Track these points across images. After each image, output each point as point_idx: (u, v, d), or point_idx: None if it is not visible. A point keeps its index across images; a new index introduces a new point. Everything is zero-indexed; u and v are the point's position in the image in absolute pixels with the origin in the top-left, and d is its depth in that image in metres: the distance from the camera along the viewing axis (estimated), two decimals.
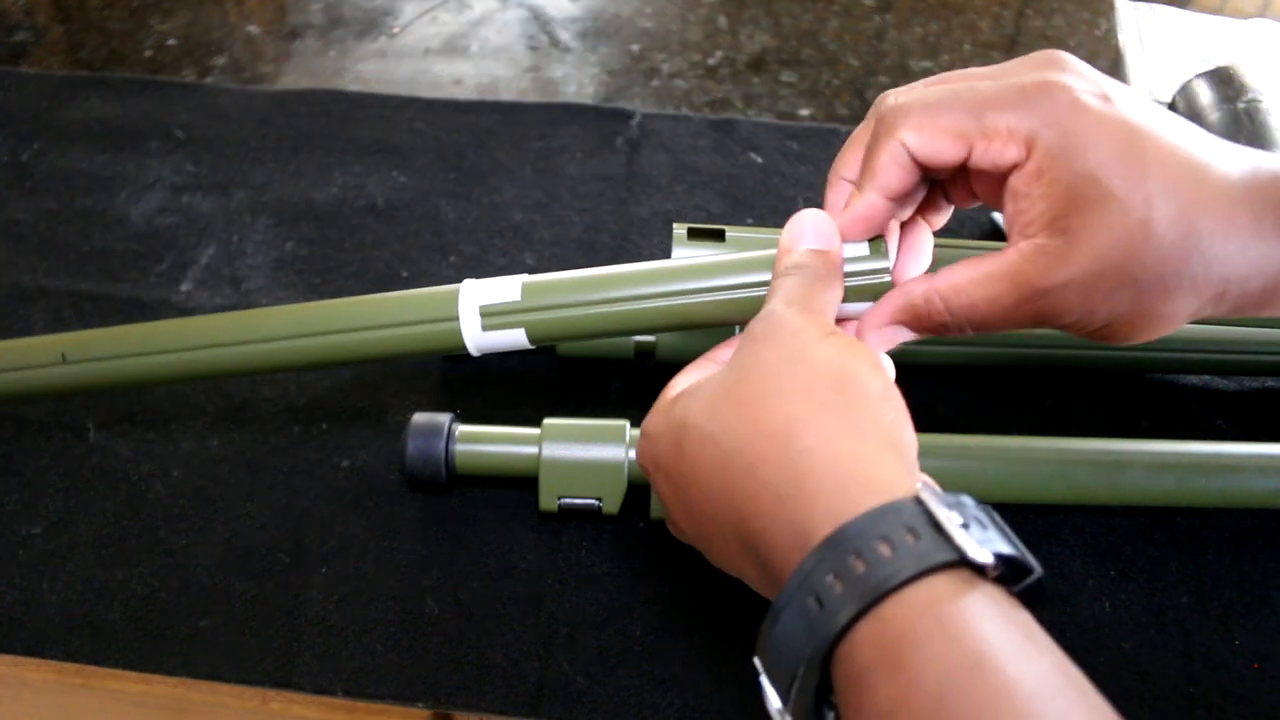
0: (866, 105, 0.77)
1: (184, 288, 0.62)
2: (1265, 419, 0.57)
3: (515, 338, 0.43)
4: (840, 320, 0.40)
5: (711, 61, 0.81)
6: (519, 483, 0.52)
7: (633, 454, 0.49)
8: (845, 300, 0.40)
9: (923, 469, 0.34)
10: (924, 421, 0.38)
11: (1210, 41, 0.82)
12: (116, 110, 0.74)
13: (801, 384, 0.33)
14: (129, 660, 0.47)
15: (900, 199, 0.38)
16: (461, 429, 0.51)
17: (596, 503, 0.49)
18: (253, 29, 0.84)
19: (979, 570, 0.28)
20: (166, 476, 0.53)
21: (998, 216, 0.66)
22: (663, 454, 0.37)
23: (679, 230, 0.50)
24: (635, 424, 0.47)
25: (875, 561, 0.28)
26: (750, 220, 0.67)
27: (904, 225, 0.42)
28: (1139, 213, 0.34)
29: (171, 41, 0.82)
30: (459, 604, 0.49)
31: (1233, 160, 0.36)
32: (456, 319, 0.43)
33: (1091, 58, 0.78)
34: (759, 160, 0.71)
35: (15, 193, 0.68)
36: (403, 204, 0.67)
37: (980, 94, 0.36)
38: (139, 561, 0.50)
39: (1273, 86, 0.62)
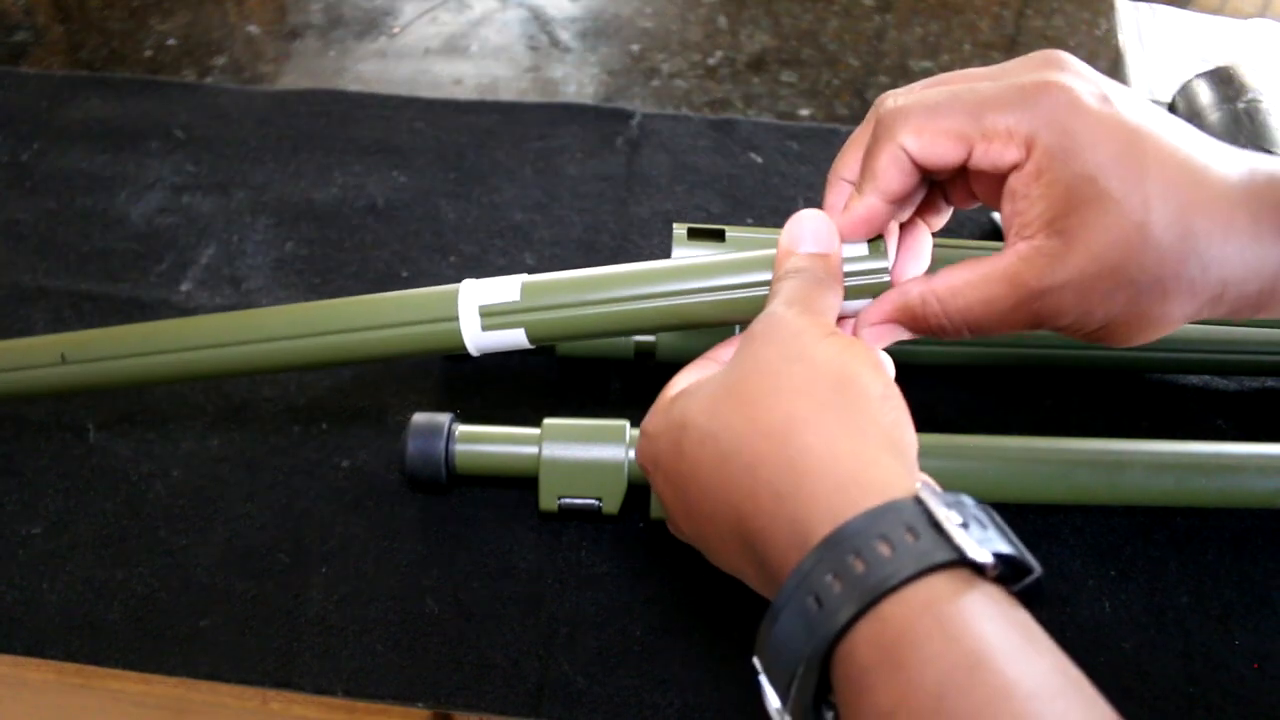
0: (866, 105, 0.77)
1: (184, 288, 0.62)
2: (1265, 419, 0.57)
3: (515, 338, 0.43)
4: (839, 318, 0.40)
5: (711, 61, 0.81)
6: (519, 483, 0.52)
7: (633, 454, 0.49)
8: (846, 299, 0.40)
9: (923, 469, 0.34)
10: (924, 421, 0.38)
11: (1210, 41, 0.82)
12: (116, 110, 0.74)
13: (801, 383, 0.33)
14: (129, 660, 0.47)
15: (900, 201, 0.38)
16: (461, 429, 0.51)
17: (596, 503, 0.49)
18: (253, 29, 0.84)
19: (978, 570, 0.28)
20: (166, 476, 0.53)
21: (997, 216, 0.66)
22: (662, 453, 0.37)
23: (679, 230, 0.50)
24: (635, 424, 0.47)
25: (874, 561, 0.28)
26: (750, 220, 0.67)
27: (903, 226, 0.42)
28: (1137, 214, 0.34)
29: (171, 41, 0.82)
30: (459, 604, 0.49)
31: (1231, 162, 0.36)
32: (456, 319, 0.43)
33: (1091, 58, 0.78)
34: (759, 160, 0.71)
35: (15, 193, 0.68)
36: (403, 204, 0.67)
37: (979, 95, 0.36)
38: (139, 561, 0.50)
39: (1273, 86, 0.62)
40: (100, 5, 0.85)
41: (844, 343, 0.35)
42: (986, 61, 0.81)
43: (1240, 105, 0.62)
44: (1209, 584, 0.50)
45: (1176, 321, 0.36)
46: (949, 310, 0.37)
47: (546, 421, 0.50)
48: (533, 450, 0.50)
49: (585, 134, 0.73)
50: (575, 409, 0.55)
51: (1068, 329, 0.37)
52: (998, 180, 0.37)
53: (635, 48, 0.82)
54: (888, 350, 0.40)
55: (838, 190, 0.40)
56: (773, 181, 0.70)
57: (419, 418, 0.51)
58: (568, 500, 0.49)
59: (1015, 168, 0.36)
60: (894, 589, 0.28)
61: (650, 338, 0.56)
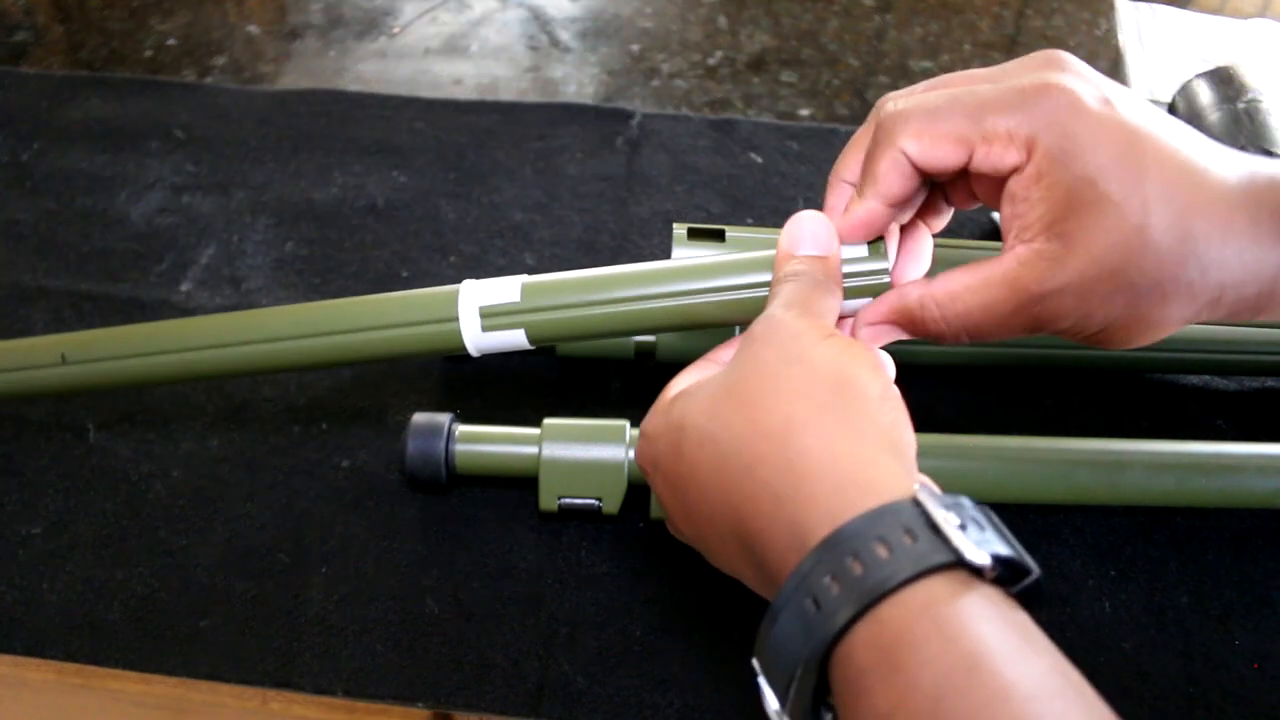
0: (866, 105, 0.77)
1: (184, 288, 0.62)
2: (1265, 419, 0.57)
3: (515, 338, 0.43)
4: (840, 317, 0.40)
5: (711, 61, 0.81)
6: (519, 483, 0.52)
7: (633, 454, 0.49)
8: (846, 298, 0.40)
9: (923, 469, 0.34)
10: (924, 421, 0.38)
11: (1210, 41, 0.81)
12: (116, 110, 0.74)
13: (800, 384, 0.33)
14: (129, 660, 0.47)
15: (900, 204, 0.38)
16: (461, 429, 0.51)
17: (596, 503, 0.49)
18: (253, 29, 0.84)
19: (976, 572, 0.28)
20: (166, 476, 0.53)
21: (997, 216, 0.66)
22: (661, 454, 0.37)
23: (679, 230, 0.50)
24: (635, 424, 0.47)
25: (872, 563, 0.28)
26: (750, 220, 0.67)
27: (904, 228, 0.42)
28: (1136, 217, 0.34)
29: (171, 41, 0.82)
30: (459, 604, 0.49)
31: (1230, 165, 0.36)
32: (456, 319, 0.43)
33: (1091, 58, 0.78)
34: (759, 160, 0.71)
35: (15, 193, 0.68)
36: (403, 204, 0.67)
37: (980, 98, 0.36)
38: (139, 561, 0.50)
39: (1273, 86, 0.62)
40: (100, 5, 0.85)
41: (843, 344, 0.35)
42: (986, 61, 0.81)
43: (1240, 105, 0.62)
44: (1209, 584, 0.50)
45: (1175, 324, 0.36)
46: (947, 315, 0.37)
47: (546, 421, 0.50)
48: (533, 450, 0.50)
49: (585, 134, 0.73)
50: (575, 409, 0.55)
51: (1067, 332, 0.37)
52: (998, 182, 0.37)
53: (635, 48, 0.82)
54: (888, 349, 0.40)
55: (838, 192, 0.40)
56: (773, 181, 0.70)
57: (419, 418, 0.51)
58: (568, 500, 0.49)
59: (1016, 170, 0.36)
60: (892, 591, 0.28)
61: (650, 338, 0.56)
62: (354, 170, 0.70)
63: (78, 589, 0.49)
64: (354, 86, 0.77)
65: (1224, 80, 0.64)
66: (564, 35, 0.83)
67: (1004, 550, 0.29)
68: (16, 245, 0.65)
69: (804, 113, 0.76)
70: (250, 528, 0.51)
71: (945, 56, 0.82)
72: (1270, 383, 0.59)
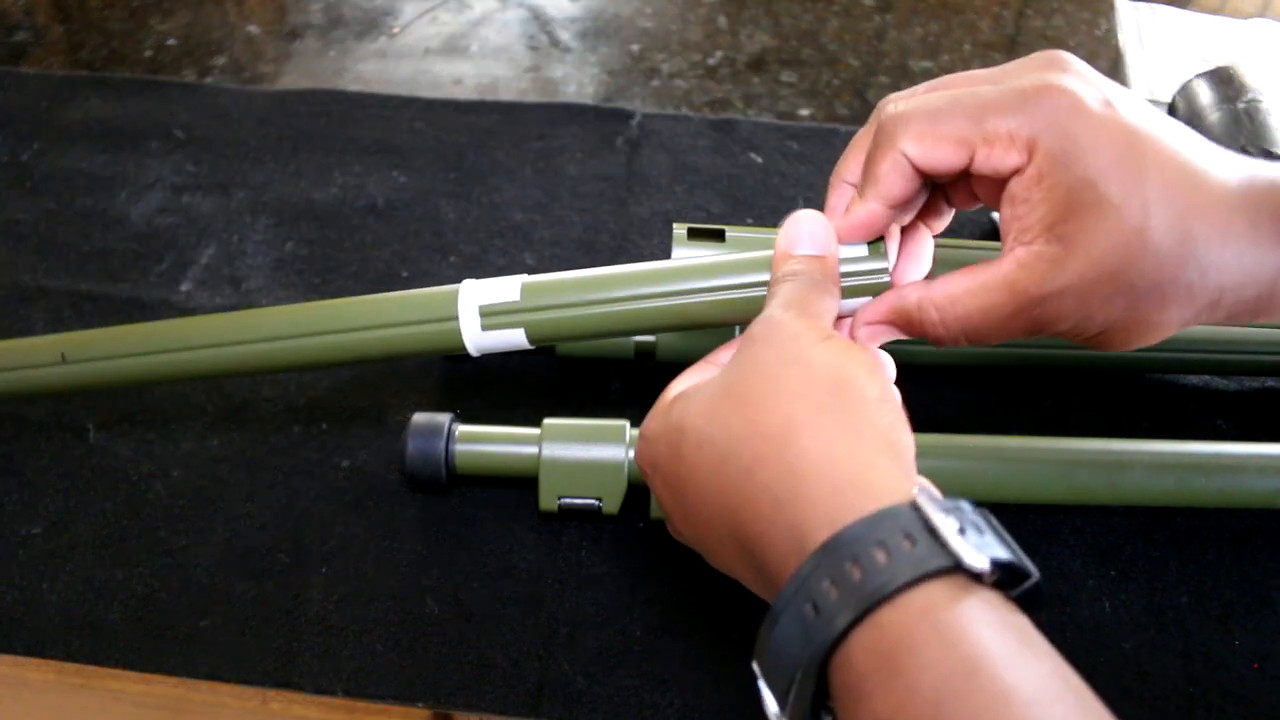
0: (866, 105, 0.77)
1: (184, 288, 0.62)
2: (1265, 419, 0.57)
3: (515, 338, 0.43)
4: (839, 316, 0.40)
5: (711, 61, 0.81)
6: (519, 483, 0.52)
7: (633, 454, 0.49)
8: (845, 297, 0.40)
9: (923, 469, 0.34)
10: (924, 421, 0.38)
11: (1210, 41, 0.81)
12: (116, 110, 0.74)
13: (799, 386, 0.33)
14: (129, 660, 0.47)
15: (901, 205, 0.38)
16: (461, 429, 0.51)
17: (596, 503, 0.49)
18: (253, 29, 0.84)
19: (975, 576, 0.28)
20: (166, 476, 0.53)
21: (997, 216, 0.66)
22: (660, 456, 0.36)
23: (679, 230, 0.50)
24: (635, 424, 0.47)
25: (871, 568, 0.28)
26: (750, 220, 0.67)
27: (904, 230, 0.42)
28: (1136, 219, 0.34)
29: (171, 41, 0.82)
30: (459, 604, 0.49)
31: (1230, 167, 0.35)
32: (456, 319, 0.43)
33: (1091, 58, 0.78)
34: (759, 160, 0.71)
35: (15, 193, 0.68)
36: (403, 204, 0.67)
37: (981, 99, 0.36)
38: (139, 561, 0.50)
39: (1273, 86, 0.62)
40: (100, 5, 0.85)
41: (841, 346, 0.35)
42: (987, 61, 0.81)
43: (1240, 105, 0.62)
44: (1209, 584, 0.50)
45: (1173, 327, 0.36)
46: (946, 319, 0.37)
47: (546, 421, 0.50)
48: (533, 450, 0.50)
49: (585, 134, 0.73)
50: (575, 409, 0.55)
51: (1065, 335, 0.37)
52: (1000, 184, 0.37)
53: (635, 48, 0.82)
54: (889, 349, 0.40)
55: (839, 193, 0.40)
56: (773, 181, 0.70)
57: (419, 418, 0.51)
58: (568, 500, 0.49)
59: (1017, 172, 0.36)
60: (890, 596, 0.28)
61: (650, 338, 0.56)
62: (354, 170, 0.70)
63: (78, 589, 0.49)
64: (354, 86, 0.77)
65: (1224, 80, 0.64)
66: (564, 35, 0.83)
67: (1003, 554, 0.29)
68: (16, 245, 0.65)
69: (804, 113, 0.76)
70: (250, 528, 0.51)
71: (945, 56, 0.82)
72: (1270, 383, 0.59)
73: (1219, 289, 0.35)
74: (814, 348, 0.34)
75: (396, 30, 0.83)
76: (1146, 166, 0.34)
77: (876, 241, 0.40)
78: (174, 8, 0.85)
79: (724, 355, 0.40)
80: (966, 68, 0.39)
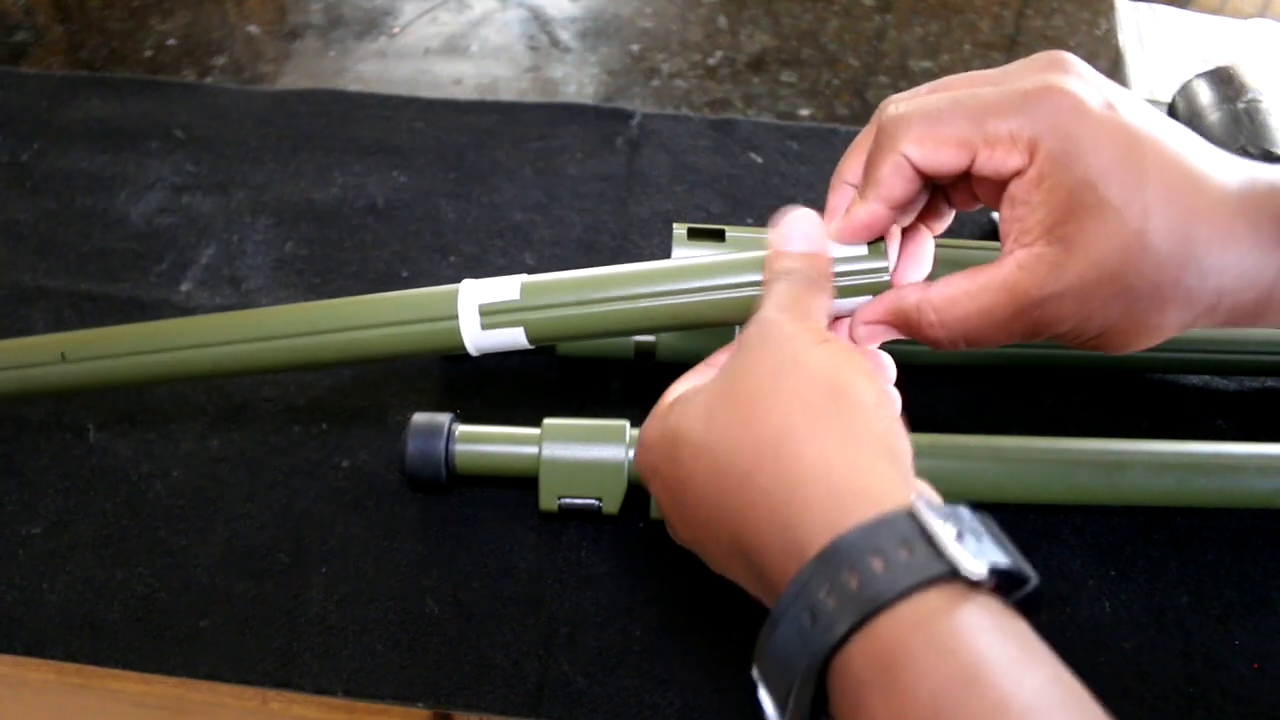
0: (866, 105, 0.77)
1: (184, 288, 0.62)
2: (1265, 419, 0.57)
3: (514, 337, 0.43)
4: (836, 316, 0.40)
5: (711, 61, 0.81)
6: (519, 483, 0.52)
7: (633, 454, 0.49)
8: (844, 297, 0.40)
9: (923, 469, 0.34)
10: (924, 421, 0.38)
11: (1210, 41, 0.81)
12: (116, 110, 0.74)
13: (794, 392, 0.33)
14: (129, 660, 0.47)
15: (902, 206, 0.38)
16: (461, 429, 0.51)
17: (596, 503, 0.49)
18: (253, 29, 0.84)
19: (973, 583, 0.28)
20: (166, 476, 0.53)
21: (998, 217, 0.66)
22: (658, 462, 0.36)
23: (679, 230, 0.50)
24: (635, 424, 0.47)
25: (868, 576, 0.28)
26: (750, 220, 0.67)
27: (905, 231, 0.42)
28: (1136, 221, 0.34)
29: (171, 41, 0.82)
30: (459, 604, 0.49)
31: (1230, 170, 0.35)
32: (455, 318, 0.43)
33: (1091, 58, 0.78)
34: (759, 160, 0.71)
35: (15, 193, 0.68)
36: (403, 204, 0.67)
37: (982, 100, 0.36)
38: (139, 561, 0.50)
39: (1273, 86, 0.62)
40: (100, 5, 0.85)
41: (837, 350, 0.34)
42: (987, 62, 0.81)
43: (1240, 105, 0.62)
44: (1209, 584, 0.50)
45: (1172, 329, 0.36)
46: (945, 321, 0.37)
47: (546, 421, 0.50)
48: (533, 450, 0.50)
49: (585, 134, 0.73)
50: (575, 409, 0.55)
51: (1064, 337, 0.37)
52: (1000, 185, 0.36)
53: (635, 48, 0.82)
54: (889, 350, 0.40)
55: (840, 194, 0.40)
56: (773, 181, 0.70)
57: (419, 418, 0.51)
58: (568, 500, 0.49)
59: (1018, 173, 0.35)
60: (888, 604, 0.27)
61: (650, 338, 0.56)
62: (354, 170, 0.70)
63: (78, 589, 0.49)
64: (354, 86, 0.77)
65: (1224, 80, 0.64)
66: (564, 35, 0.83)
67: (1002, 560, 0.28)
68: (16, 245, 0.65)
69: (804, 113, 0.76)
70: (250, 528, 0.51)
71: (945, 56, 0.82)
72: (1270, 383, 0.59)
73: (1218, 292, 0.35)
74: (809, 352, 0.34)
75: (396, 30, 0.83)
76: (1147, 169, 0.34)
77: (877, 241, 0.40)
78: (174, 8, 0.85)
79: (722, 358, 0.40)
80: (966, 68, 0.39)
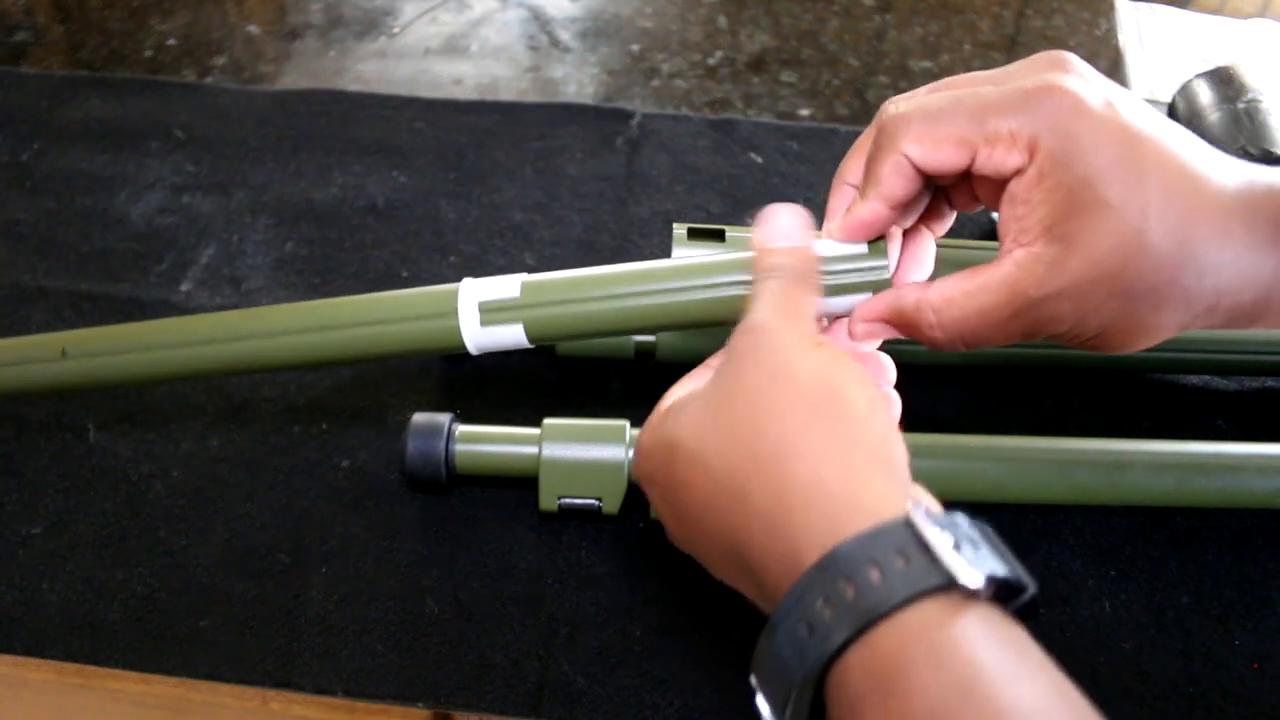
0: (866, 105, 0.77)
1: (184, 288, 0.62)
2: (1265, 419, 0.57)
3: (514, 335, 0.43)
4: (836, 316, 0.40)
5: (711, 61, 0.81)
6: (519, 483, 0.52)
7: (633, 454, 0.49)
8: (844, 294, 0.40)
9: (922, 469, 0.34)
10: (924, 421, 0.38)
11: (1210, 41, 0.82)
12: (116, 110, 0.74)
13: (787, 403, 0.33)
14: (129, 660, 0.47)
15: (903, 206, 0.38)
16: (461, 429, 0.51)
17: (596, 503, 0.49)
18: (253, 29, 0.84)
19: (971, 592, 0.28)
20: (166, 476, 0.53)
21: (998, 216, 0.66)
22: (655, 471, 0.36)
23: (679, 230, 0.50)
24: (635, 424, 0.47)
25: (865, 587, 0.28)
26: (750, 220, 0.67)
27: (906, 233, 0.42)
28: (1135, 221, 0.34)
29: (171, 41, 0.82)
30: (459, 604, 0.49)
31: (1229, 171, 0.35)
32: (455, 316, 0.43)
33: (1091, 58, 0.78)
34: (759, 160, 0.71)
35: (15, 193, 0.68)
36: (403, 204, 0.67)
37: (982, 99, 0.36)
38: (139, 561, 0.50)
39: (1273, 86, 0.62)
40: (100, 5, 0.85)
41: (828, 356, 0.34)
42: (987, 61, 0.81)
43: (1240, 105, 0.62)
44: (1209, 584, 0.50)
45: (1170, 330, 0.36)
46: (944, 321, 0.37)
47: (546, 421, 0.50)
48: (533, 450, 0.50)
49: (585, 134, 0.73)
50: (575, 409, 0.55)
51: (1062, 337, 0.37)
52: (1001, 185, 0.36)
53: (635, 48, 0.82)
54: (888, 350, 0.40)
55: (841, 195, 0.40)
56: (773, 181, 0.70)
57: (419, 418, 0.51)
58: (568, 500, 0.49)
59: (1018, 173, 0.35)
60: (884, 615, 0.27)
61: (650, 338, 0.56)
62: (354, 170, 0.70)
63: (78, 589, 0.49)
64: (354, 86, 0.77)
65: (1224, 80, 0.64)
66: (564, 35, 0.83)
67: (999, 569, 0.28)
68: (16, 245, 0.65)
69: (804, 113, 0.76)
70: (250, 528, 0.51)
71: (945, 56, 0.82)
72: (1270, 383, 0.59)
73: (1216, 293, 0.35)
74: (800, 361, 0.34)
75: (396, 30, 0.83)
76: (1147, 169, 0.34)
77: (877, 240, 0.40)
78: (174, 8, 0.85)
79: (719, 360, 0.40)
80: (966, 68, 0.39)
